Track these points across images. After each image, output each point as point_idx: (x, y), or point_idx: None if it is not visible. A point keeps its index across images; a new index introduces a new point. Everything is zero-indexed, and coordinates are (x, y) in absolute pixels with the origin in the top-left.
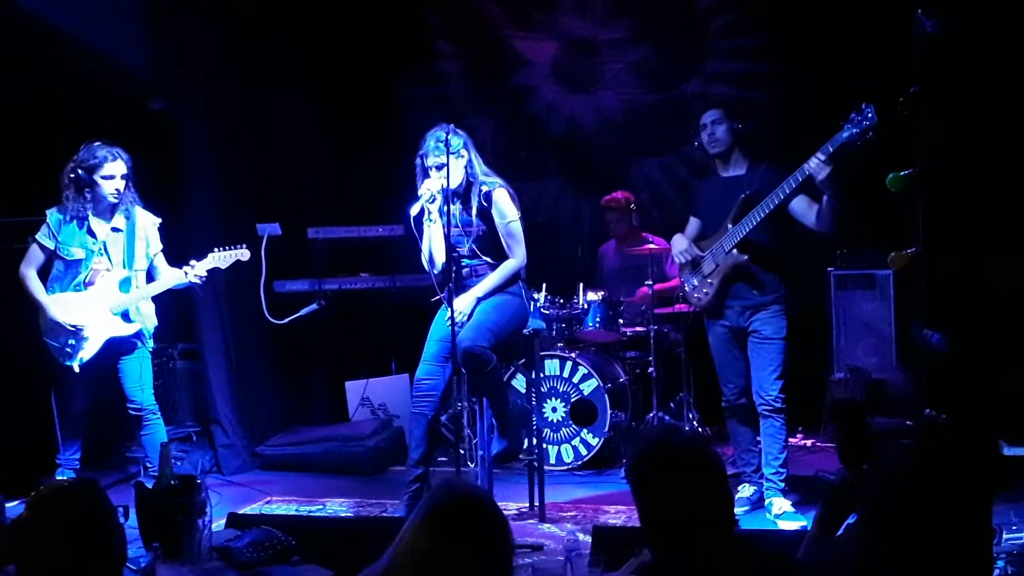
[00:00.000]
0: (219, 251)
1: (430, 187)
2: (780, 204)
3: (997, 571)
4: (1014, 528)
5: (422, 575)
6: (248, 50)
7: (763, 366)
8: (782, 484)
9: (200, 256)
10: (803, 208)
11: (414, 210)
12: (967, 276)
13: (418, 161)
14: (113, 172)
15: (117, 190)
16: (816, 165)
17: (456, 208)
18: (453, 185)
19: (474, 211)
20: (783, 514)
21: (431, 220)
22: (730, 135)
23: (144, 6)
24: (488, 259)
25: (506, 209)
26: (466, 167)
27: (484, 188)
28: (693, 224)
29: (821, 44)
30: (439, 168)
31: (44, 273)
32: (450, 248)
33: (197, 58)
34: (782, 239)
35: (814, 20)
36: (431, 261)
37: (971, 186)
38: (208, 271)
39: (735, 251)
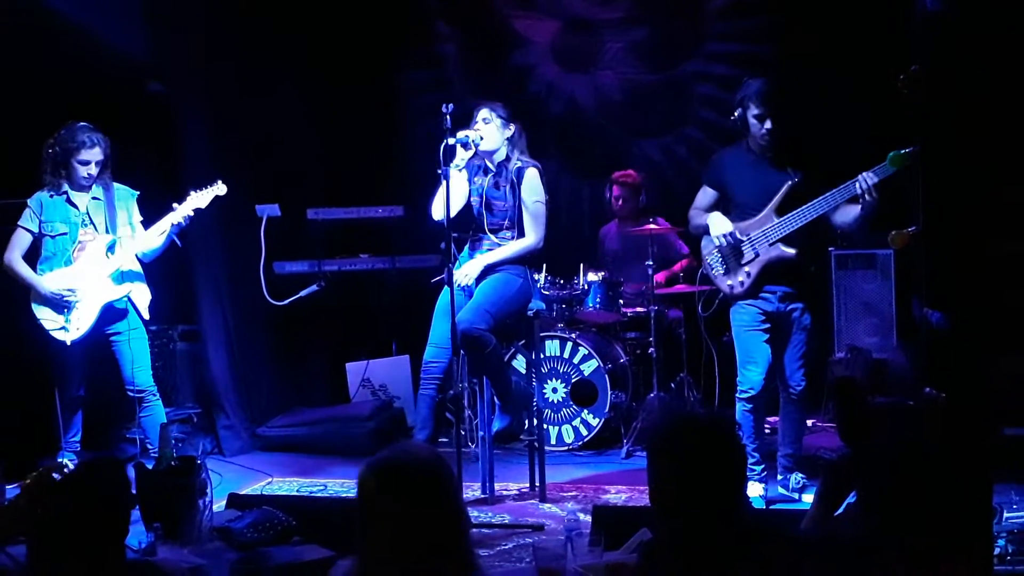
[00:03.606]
0: (196, 192)
1: (469, 133)
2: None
3: (998, 550)
4: (1015, 507)
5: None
6: (246, 32)
7: (797, 356)
8: (792, 461)
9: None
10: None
11: (449, 140)
12: (968, 254)
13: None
14: (88, 158)
15: (90, 175)
16: (867, 187)
17: (487, 181)
18: (488, 147)
19: (507, 188)
20: (805, 489)
21: (457, 167)
22: (783, 127)
23: None
24: (507, 238)
25: (535, 188)
26: (508, 140)
27: (518, 164)
28: (709, 195)
29: (820, 24)
30: (485, 122)
31: (33, 258)
32: (469, 220)
33: (195, 40)
34: (815, 232)
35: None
36: (439, 210)
37: (972, 164)
38: (194, 211)
39: (781, 245)
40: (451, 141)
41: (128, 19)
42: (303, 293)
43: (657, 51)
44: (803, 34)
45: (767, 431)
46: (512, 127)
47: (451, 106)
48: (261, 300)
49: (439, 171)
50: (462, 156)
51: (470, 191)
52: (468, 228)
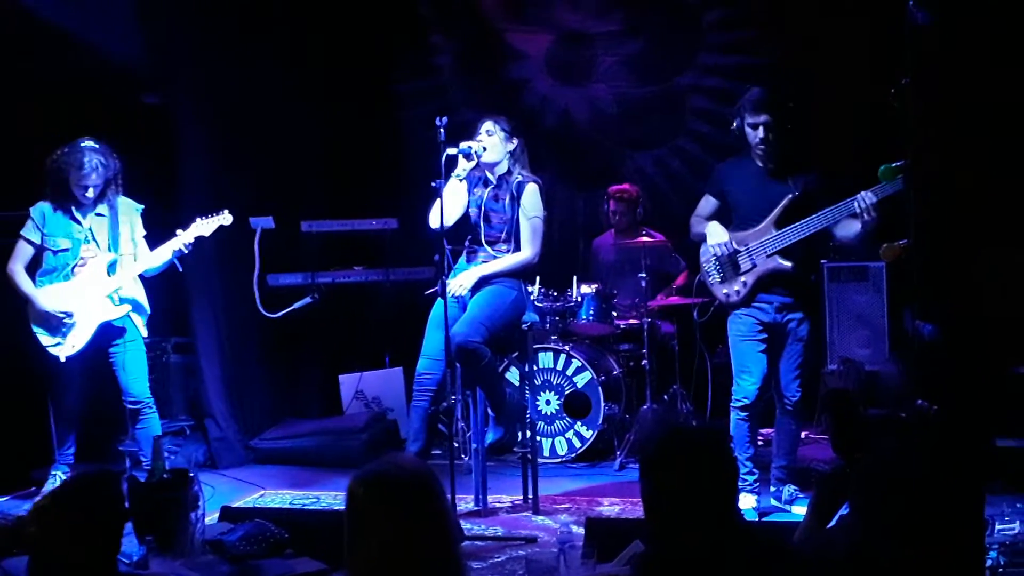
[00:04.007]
0: (202, 219)
1: (472, 144)
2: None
3: (989, 561)
4: (1006, 519)
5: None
6: (242, 44)
7: (793, 367)
8: (785, 473)
9: (185, 227)
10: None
11: (451, 150)
12: (958, 267)
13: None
14: (86, 183)
15: (88, 197)
16: (866, 206)
17: (486, 193)
18: (489, 159)
19: (506, 201)
20: (796, 501)
21: (458, 176)
22: (780, 137)
23: (138, 3)
24: (503, 251)
25: (534, 203)
26: (509, 155)
27: (518, 179)
28: (710, 204)
29: (814, 37)
30: (488, 135)
31: (34, 268)
32: (466, 231)
33: (190, 52)
34: (814, 244)
35: (806, 13)
36: (436, 219)
37: (962, 177)
38: (195, 239)
39: (778, 257)
40: (452, 151)
41: (125, 31)
42: (297, 305)
43: (651, 64)
44: (797, 47)
45: (760, 443)
46: (515, 141)
47: (445, 119)
48: (255, 312)
49: (433, 184)
50: (463, 166)
51: (469, 202)
52: (464, 239)
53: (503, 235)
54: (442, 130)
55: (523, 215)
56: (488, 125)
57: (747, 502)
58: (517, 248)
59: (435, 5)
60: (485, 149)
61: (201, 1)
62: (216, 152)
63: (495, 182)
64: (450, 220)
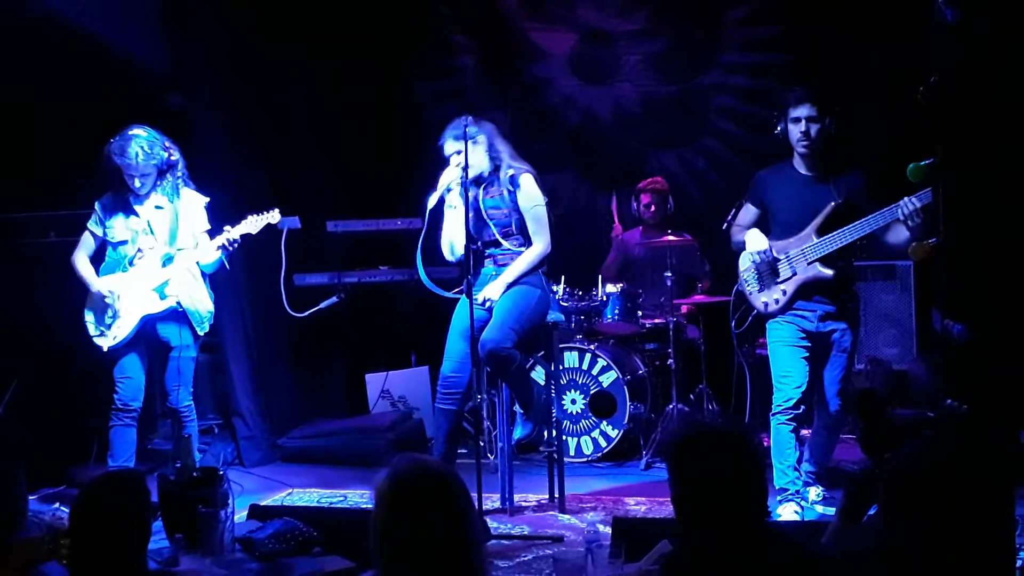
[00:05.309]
0: (253, 217)
1: (447, 177)
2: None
3: (1020, 562)
4: None
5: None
6: (265, 46)
7: (836, 379)
8: (813, 478)
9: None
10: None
11: (432, 201)
12: (988, 266)
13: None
14: (131, 172)
15: (141, 184)
16: (910, 212)
17: (480, 192)
18: (475, 171)
19: (504, 195)
20: (821, 500)
21: (451, 207)
22: (822, 136)
23: (160, 4)
24: (513, 246)
25: (532, 194)
26: (488, 152)
27: (510, 172)
28: (750, 213)
29: (838, 35)
30: (458, 153)
31: (99, 262)
32: (469, 238)
33: (212, 53)
34: (854, 250)
35: (831, 10)
36: (451, 249)
37: (991, 175)
38: (241, 236)
39: (818, 264)
40: (432, 202)
41: (148, 33)
42: (323, 305)
43: (675, 63)
44: (820, 45)
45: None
46: (483, 135)
47: (470, 118)
48: (281, 312)
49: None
50: (452, 201)
51: (466, 208)
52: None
53: (511, 227)
54: (467, 128)
55: (525, 209)
56: (450, 147)
57: (788, 511)
58: (528, 241)
59: (456, 5)
60: (465, 169)
61: (224, 4)
62: (241, 154)
63: (487, 179)
64: (460, 246)
